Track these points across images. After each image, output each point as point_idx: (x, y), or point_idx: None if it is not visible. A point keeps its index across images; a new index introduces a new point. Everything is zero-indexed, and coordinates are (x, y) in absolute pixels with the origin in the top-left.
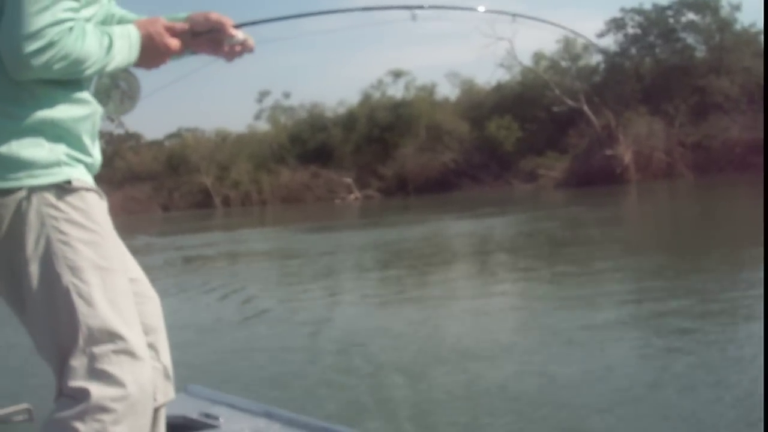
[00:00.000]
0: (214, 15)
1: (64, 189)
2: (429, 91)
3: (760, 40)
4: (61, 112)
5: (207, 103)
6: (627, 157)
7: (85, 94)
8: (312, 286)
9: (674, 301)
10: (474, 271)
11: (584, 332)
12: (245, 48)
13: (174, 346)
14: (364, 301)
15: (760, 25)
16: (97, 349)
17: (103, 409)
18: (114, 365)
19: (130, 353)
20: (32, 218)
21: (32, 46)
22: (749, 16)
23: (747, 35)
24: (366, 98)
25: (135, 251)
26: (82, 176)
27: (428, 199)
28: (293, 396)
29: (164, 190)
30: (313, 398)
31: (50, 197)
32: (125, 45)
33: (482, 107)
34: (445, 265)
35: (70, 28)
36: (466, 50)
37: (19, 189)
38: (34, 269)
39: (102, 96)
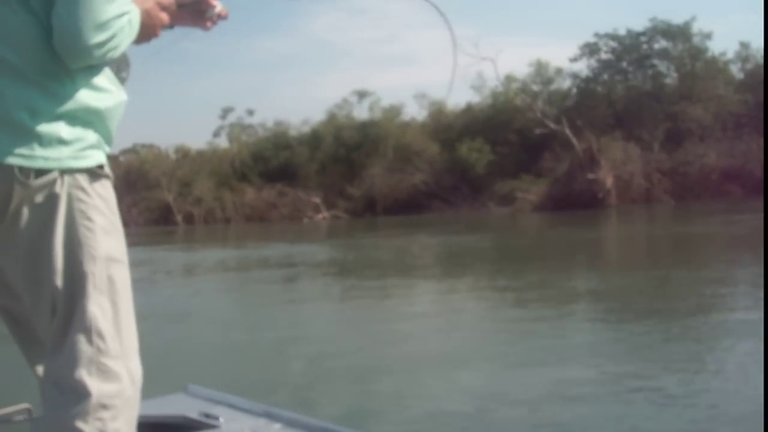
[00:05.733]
0: None
1: (94, 174)
2: (396, 111)
3: (730, 68)
4: (96, 100)
5: (162, 119)
6: (609, 182)
7: (115, 83)
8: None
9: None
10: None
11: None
12: (221, 17)
13: None
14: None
15: (731, 54)
16: (102, 343)
17: (103, 407)
18: (113, 359)
19: (126, 347)
20: (62, 202)
21: (98, 38)
22: (720, 44)
23: (718, 63)
24: (331, 117)
25: None
26: (107, 164)
27: (397, 221)
28: None
29: (122, 205)
30: None
31: (82, 181)
32: (136, 26)
33: (452, 129)
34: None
35: (130, 20)
36: (434, 71)
37: (52, 170)
38: (57, 253)
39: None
